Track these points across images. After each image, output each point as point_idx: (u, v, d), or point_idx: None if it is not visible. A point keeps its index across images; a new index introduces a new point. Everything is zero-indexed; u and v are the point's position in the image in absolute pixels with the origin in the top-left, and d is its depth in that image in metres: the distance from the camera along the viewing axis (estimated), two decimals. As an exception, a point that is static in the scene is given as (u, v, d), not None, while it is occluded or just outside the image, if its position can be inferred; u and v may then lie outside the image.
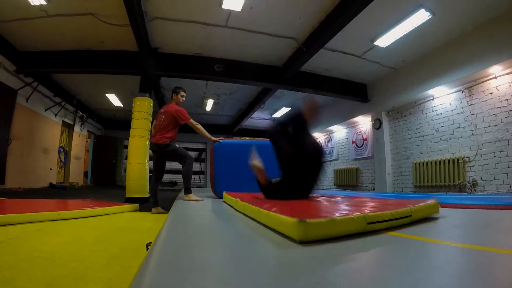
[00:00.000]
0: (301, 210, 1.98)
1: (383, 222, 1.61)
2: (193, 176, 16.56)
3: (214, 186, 5.00)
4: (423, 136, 8.09)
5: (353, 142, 11.27)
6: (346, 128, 11.69)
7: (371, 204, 2.31)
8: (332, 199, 3.03)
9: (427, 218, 2.02)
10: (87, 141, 14.60)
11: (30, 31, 6.77)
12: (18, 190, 7.44)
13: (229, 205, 3.25)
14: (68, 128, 12.20)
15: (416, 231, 1.65)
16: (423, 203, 2.05)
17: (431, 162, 7.58)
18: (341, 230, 1.41)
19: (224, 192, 3.97)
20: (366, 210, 1.69)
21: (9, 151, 7.83)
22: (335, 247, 1.27)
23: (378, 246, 1.36)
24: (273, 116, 13.90)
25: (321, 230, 1.34)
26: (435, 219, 2.06)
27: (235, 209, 2.79)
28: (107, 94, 11.20)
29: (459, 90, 7.04)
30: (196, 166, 16.88)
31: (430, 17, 5.81)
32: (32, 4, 5.69)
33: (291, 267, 1.04)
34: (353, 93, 9.65)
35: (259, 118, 14.27)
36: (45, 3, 5.67)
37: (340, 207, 2.09)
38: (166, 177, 15.86)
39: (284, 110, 12.96)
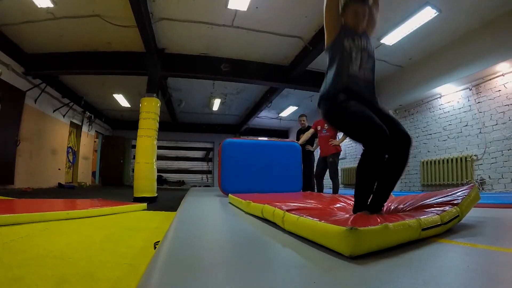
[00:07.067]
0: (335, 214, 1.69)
1: (436, 227, 1.43)
2: (200, 176, 16.59)
3: (222, 184, 5.12)
4: (431, 134, 8.01)
5: (360, 141, 11.17)
6: (353, 127, 11.61)
7: (406, 203, 2.14)
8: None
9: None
10: (95, 142, 14.72)
11: (38, 34, 6.85)
12: (27, 190, 7.51)
13: (237, 207, 3.18)
14: (76, 128, 12.31)
15: (462, 235, 1.54)
16: (467, 196, 1.79)
17: (439, 161, 7.50)
18: (395, 239, 1.21)
19: (229, 194, 3.95)
20: (410, 214, 1.52)
21: (18, 152, 7.92)
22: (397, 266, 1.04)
23: (449, 261, 1.14)
24: (280, 115, 13.89)
25: (375, 240, 1.12)
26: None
27: (245, 212, 2.68)
28: (114, 95, 11.28)
29: (467, 88, 6.95)
30: (204, 166, 16.98)
31: (436, 14, 5.76)
32: (39, 6, 5.75)
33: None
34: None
35: (266, 117, 14.27)
36: (52, 5, 5.73)
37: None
38: (174, 177, 16.10)
39: (291, 109, 12.93)
